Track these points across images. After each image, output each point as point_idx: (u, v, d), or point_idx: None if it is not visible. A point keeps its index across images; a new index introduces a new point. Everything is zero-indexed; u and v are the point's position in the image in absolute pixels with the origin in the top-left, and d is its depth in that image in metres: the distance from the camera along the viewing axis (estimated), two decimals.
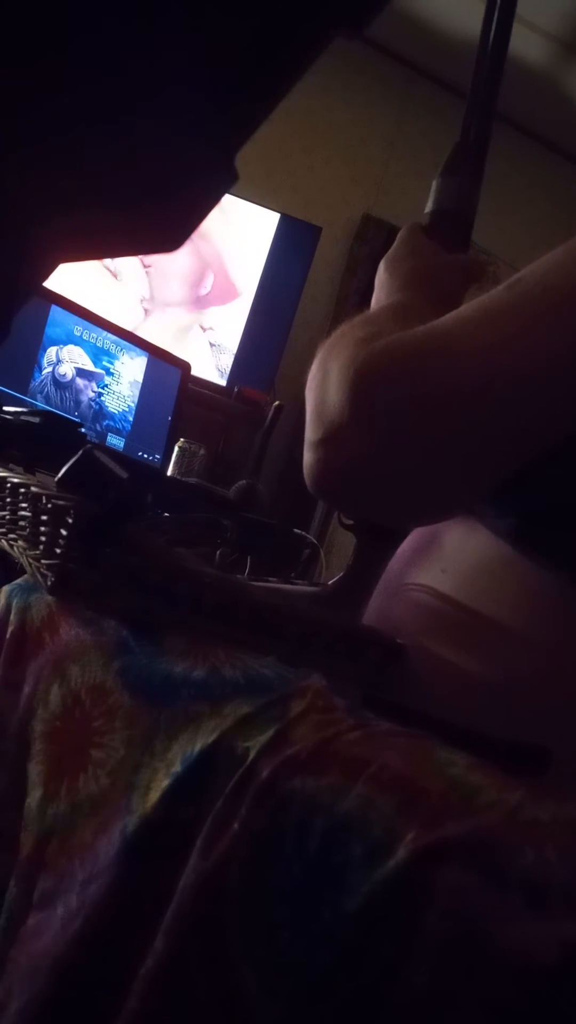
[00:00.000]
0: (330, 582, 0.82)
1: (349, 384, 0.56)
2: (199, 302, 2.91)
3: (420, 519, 0.67)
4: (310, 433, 0.60)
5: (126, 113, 0.36)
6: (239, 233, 2.91)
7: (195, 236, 2.80)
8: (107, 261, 2.74)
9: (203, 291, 2.91)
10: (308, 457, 0.60)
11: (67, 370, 1.88)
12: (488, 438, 0.54)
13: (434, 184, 0.80)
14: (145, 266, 2.82)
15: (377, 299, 0.74)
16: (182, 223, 0.41)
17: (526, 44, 2.91)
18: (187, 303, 2.89)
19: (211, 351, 2.91)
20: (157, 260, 2.82)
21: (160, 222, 0.40)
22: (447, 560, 0.66)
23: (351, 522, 0.80)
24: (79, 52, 0.34)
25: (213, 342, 2.91)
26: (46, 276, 0.41)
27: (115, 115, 0.36)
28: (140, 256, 2.70)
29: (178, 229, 0.41)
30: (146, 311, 2.83)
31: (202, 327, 2.91)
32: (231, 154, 0.40)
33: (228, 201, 2.82)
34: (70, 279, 2.32)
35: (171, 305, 2.86)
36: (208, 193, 0.42)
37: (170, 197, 0.39)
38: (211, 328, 2.91)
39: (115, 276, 2.77)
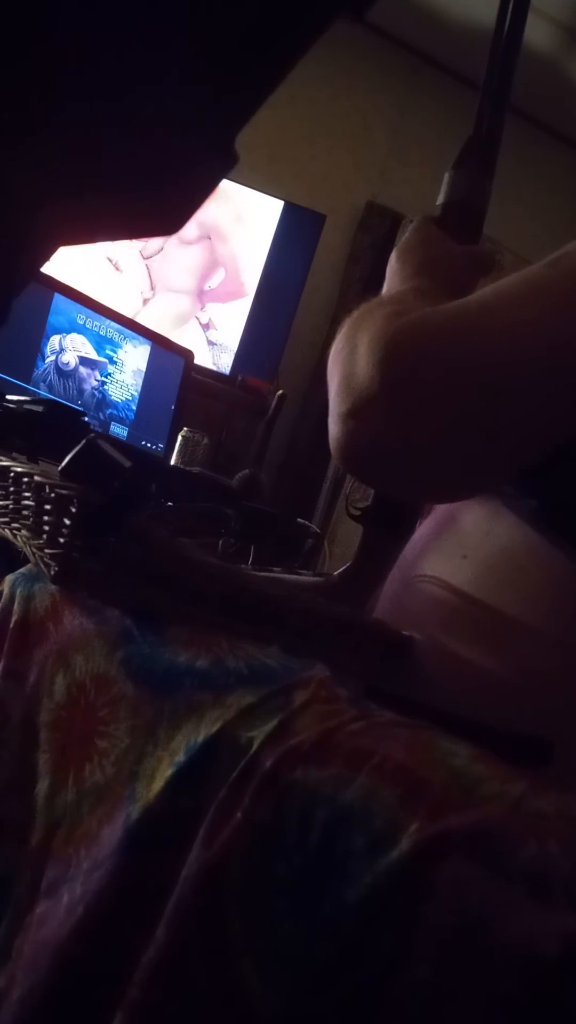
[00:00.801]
0: (335, 573, 0.82)
1: (380, 356, 0.55)
2: (203, 295, 2.89)
3: (448, 495, 0.66)
4: (337, 405, 0.59)
5: (126, 98, 0.36)
6: (244, 221, 2.89)
7: (212, 237, 2.79)
8: (110, 254, 2.73)
9: (208, 285, 2.89)
10: (335, 430, 0.59)
11: (70, 359, 1.88)
12: (521, 413, 0.54)
13: (446, 177, 0.80)
14: (145, 259, 2.81)
15: (389, 286, 0.73)
16: (182, 206, 0.41)
17: (530, 29, 2.87)
18: (191, 292, 2.87)
19: (210, 350, 2.88)
20: (167, 247, 2.80)
21: (160, 205, 0.40)
22: (468, 545, 0.65)
23: (358, 512, 0.80)
24: (79, 39, 0.34)
25: (213, 340, 2.89)
26: (46, 260, 0.41)
27: (115, 101, 0.36)
28: (140, 239, 2.68)
29: (178, 212, 0.41)
30: (145, 302, 2.81)
31: (201, 323, 2.88)
32: (231, 137, 0.40)
33: (231, 188, 2.81)
34: (70, 268, 2.30)
35: (173, 291, 2.84)
36: (208, 176, 0.41)
37: (169, 180, 0.39)
38: (211, 327, 2.89)
39: (117, 268, 2.75)
